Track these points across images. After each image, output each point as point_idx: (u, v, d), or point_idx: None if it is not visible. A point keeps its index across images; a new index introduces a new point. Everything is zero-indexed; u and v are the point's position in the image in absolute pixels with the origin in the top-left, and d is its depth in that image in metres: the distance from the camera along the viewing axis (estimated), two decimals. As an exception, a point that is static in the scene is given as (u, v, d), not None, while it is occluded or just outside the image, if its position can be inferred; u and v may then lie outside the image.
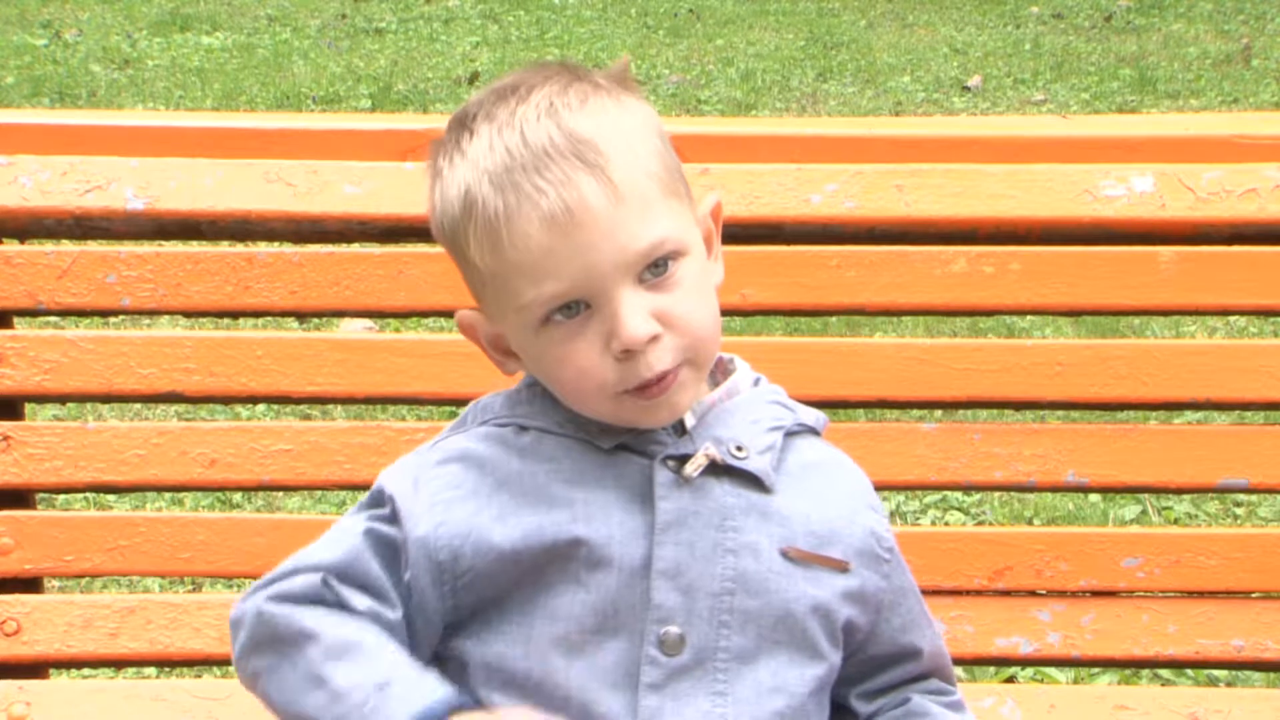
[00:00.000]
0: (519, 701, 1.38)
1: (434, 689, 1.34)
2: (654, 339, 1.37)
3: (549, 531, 1.39)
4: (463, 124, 1.41)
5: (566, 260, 1.35)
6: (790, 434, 1.49)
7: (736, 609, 1.40)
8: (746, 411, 1.47)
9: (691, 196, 1.45)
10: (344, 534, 1.44)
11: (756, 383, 1.52)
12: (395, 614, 1.41)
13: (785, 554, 1.42)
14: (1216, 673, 2.89)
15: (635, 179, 1.36)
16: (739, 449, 1.43)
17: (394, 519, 1.42)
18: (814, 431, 1.52)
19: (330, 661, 1.36)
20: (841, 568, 1.45)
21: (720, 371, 1.52)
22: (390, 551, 1.42)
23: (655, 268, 1.37)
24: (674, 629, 1.39)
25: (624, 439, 1.42)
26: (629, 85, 1.44)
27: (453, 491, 1.42)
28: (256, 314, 1.96)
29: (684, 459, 1.41)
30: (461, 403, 1.57)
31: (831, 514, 1.46)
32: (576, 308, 1.37)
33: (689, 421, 1.44)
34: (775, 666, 1.41)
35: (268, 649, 1.40)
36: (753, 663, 1.41)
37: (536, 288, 1.36)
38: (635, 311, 1.35)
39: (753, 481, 1.43)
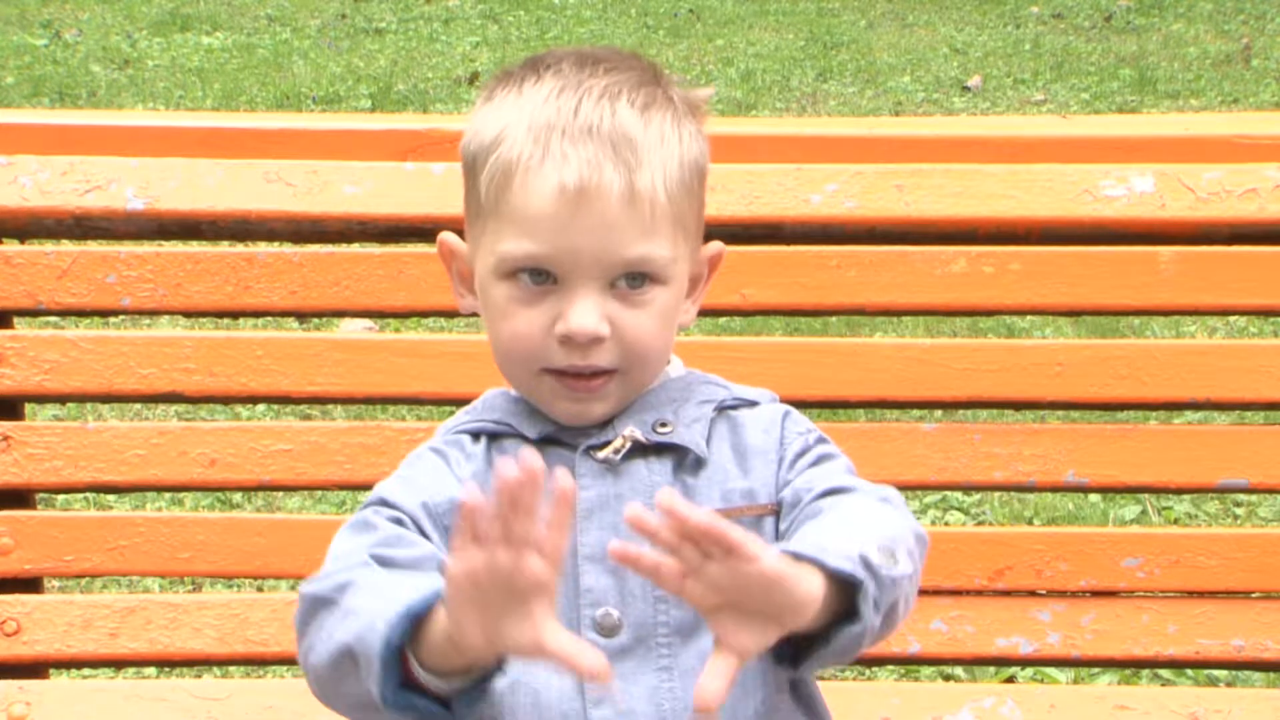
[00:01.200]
0: (474, 696, 1.35)
1: (415, 586, 1.30)
2: (597, 340, 1.39)
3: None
4: (535, 68, 1.44)
5: (557, 231, 1.37)
6: (726, 408, 1.49)
7: None
8: (674, 393, 1.48)
9: (699, 237, 1.48)
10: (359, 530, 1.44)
11: (689, 372, 1.53)
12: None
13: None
14: (1216, 673, 2.89)
15: (653, 194, 1.39)
16: (663, 425, 1.44)
17: (395, 507, 1.44)
18: (754, 404, 1.52)
19: (356, 595, 1.34)
20: (769, 510, 1.44)
21: None
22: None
23: (632, 280, 1.40)
24: (610, 611, 1.40)
25: (550, 430, 1.45)
26: (698, 114, 1.47)
27: (426, 478, 1.46)
28: (256, 314, 1.96)
29: (607, 445, 1.43)
30: (461, 403, 1.57)
31: (755, 461, 1.46)
32: (545, 277, 1.39)
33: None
34: None
35: (309, 616, 1.38)
36: (694, 634, 1.41)
37: (518, 242, 1.39)
38: (592, 309, 1.38)
39: (681, 455, 1.44)
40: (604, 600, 1.40)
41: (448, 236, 1.50)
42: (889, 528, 1.37)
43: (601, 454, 1.43)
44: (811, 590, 1.23)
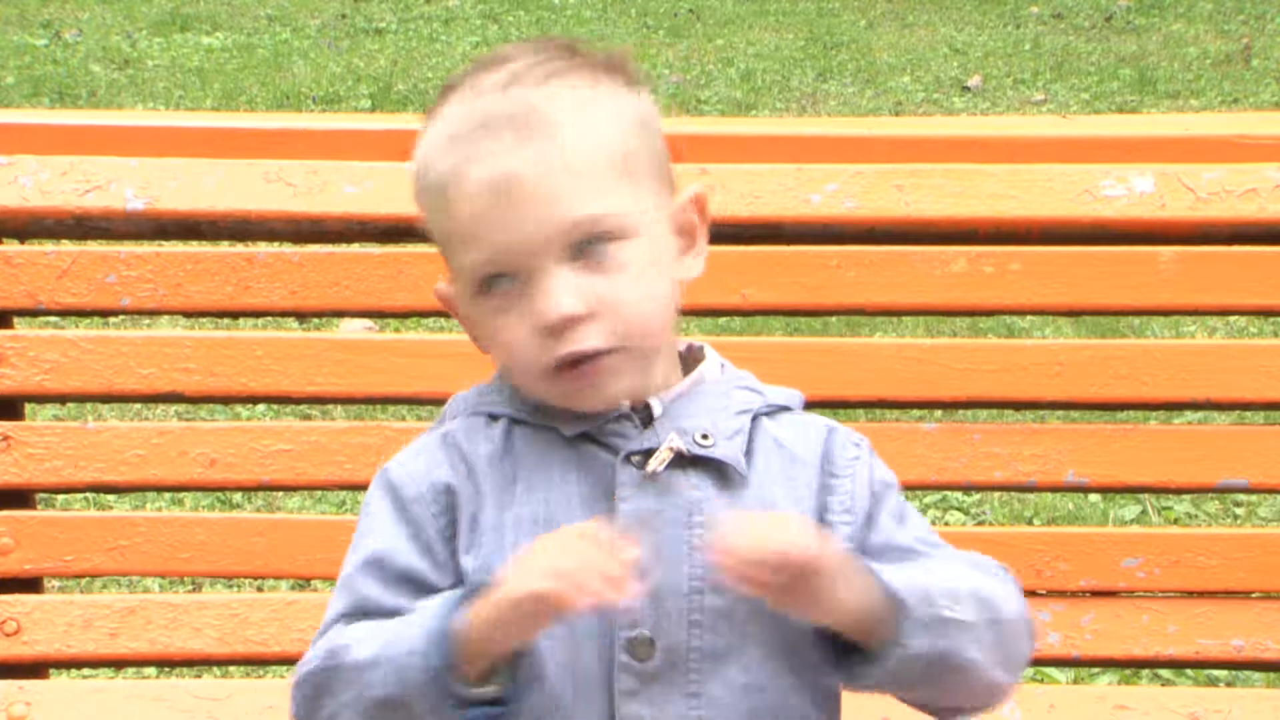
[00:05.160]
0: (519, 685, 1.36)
1: (437, 603, 1.33)
2: (579, 319, 1.35)
3: (509, 537, 1.38)
4: (447, 90, 1.42)
5: (492, 229, 1.35)
6: (760, 415, 1.45)
7: (707, 608, 1.38)
8: (713, 399, 1.43)
9: (669, 185, 1.43)
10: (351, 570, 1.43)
11: (723, 368, 1.49)
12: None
13: None
14: (1216, 673, 2.89)
15: (578, 153, 1.35)
16: (704, 437, 1.40)
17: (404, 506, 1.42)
18: (788, 410, 1.48)
19: (363, 646, 1.36)
20: None
21: (691, 359, 1.49)
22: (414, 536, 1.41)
23: (590, 245, 1.35)
24: (644, 633, 1.36)
25: (588, 428, 1.40)
26: (620, 70, 1.43)
27: (430, 474, 1.41)
28: (256, 314, 1.96)
29: (649, 453, 1.38)
30: (461, 403, 1.56)
31: (796, 482, 1.42)
32: (508, 280, 1.36)
33: (656, 411, 1.41)
34: (747, 662, 1.39)
35: (319, 694, 1.40)
36: (724, 660, 1.38)
37: (467, 254, 1.37)
38: (559, 289, 1.34)
39: (721, 470, 1.40)
40: (639, 623, 1.36)
41: (440, 287, 1.47)
42: (970, 580, 1.41)
43: (650, 465, 1.38)
44: (854, 593, 1.32)
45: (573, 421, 1.40)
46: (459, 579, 1.39)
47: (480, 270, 1.37)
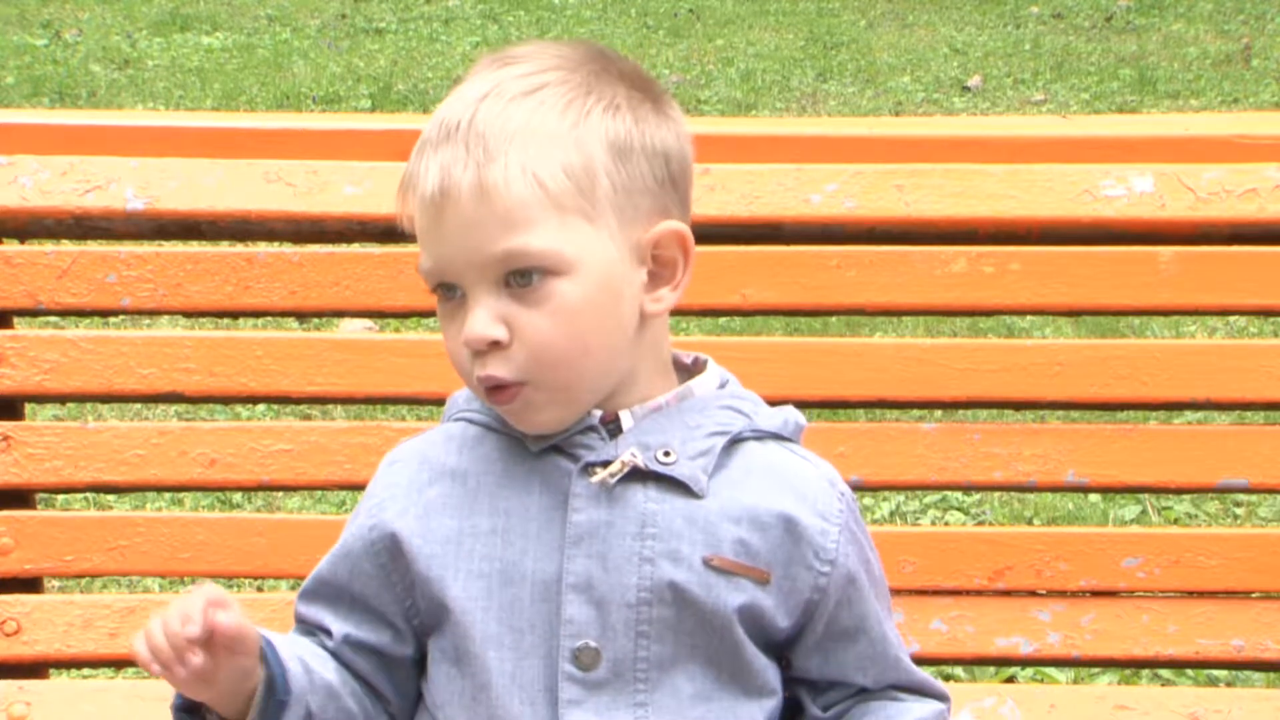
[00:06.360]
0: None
1: None
2: (496, 344, 1.35)
3: (465, 547, 1.41)
4: (455, 82, 1.44)
5: (433, 241, 1.37)
6: (740, 440, 1.43)
7: (655, 619, 1.37)
8: (691, 416, 1.42)
9: (652, 213, 1.39)
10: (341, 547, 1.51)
11: (724, 385, 1.47)
12: (377, 635, 1.47)
13: (708, 562, 1.38)
14: (1216, 673, 2.89)
15: (511, 183, 1.33)
16: (666, 454, 1.39)
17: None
18: (779, 437, 1.46)
19: None
20: (762, 578, 1.40)
21: (685, 372, 1.48)
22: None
23: (519, 277, 1.34)
24: (589, 643, 1.37)
25: (554, 440, 1.40)
26: (635, 87, 1.40)
27: (385, 492, 1.46)
28: (256, 314, 1.96)
29: (607, 465, 1.38)
30: (461, 403, 1.56)
31: (767, 520, 1.40)
32: (452, 290, 1.38)
33: (625, 424, 1.41)
34: (694, 671, 1.39)
35: None
36: (671, 670, 1.38)
37: (422, 257, 1.40)
38: (482, 312, 1.35)
39: (681, 487, 1.39)
40: (585, 633, 1.37)
41: None
42: None
43: (596, 477, 1.38)
44: None
45: (539, 437, 1.41)
46: (407, 592, 1.44)
47: (427, 277, 1.39)
